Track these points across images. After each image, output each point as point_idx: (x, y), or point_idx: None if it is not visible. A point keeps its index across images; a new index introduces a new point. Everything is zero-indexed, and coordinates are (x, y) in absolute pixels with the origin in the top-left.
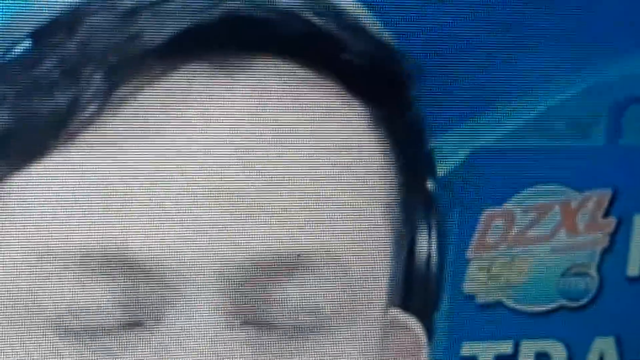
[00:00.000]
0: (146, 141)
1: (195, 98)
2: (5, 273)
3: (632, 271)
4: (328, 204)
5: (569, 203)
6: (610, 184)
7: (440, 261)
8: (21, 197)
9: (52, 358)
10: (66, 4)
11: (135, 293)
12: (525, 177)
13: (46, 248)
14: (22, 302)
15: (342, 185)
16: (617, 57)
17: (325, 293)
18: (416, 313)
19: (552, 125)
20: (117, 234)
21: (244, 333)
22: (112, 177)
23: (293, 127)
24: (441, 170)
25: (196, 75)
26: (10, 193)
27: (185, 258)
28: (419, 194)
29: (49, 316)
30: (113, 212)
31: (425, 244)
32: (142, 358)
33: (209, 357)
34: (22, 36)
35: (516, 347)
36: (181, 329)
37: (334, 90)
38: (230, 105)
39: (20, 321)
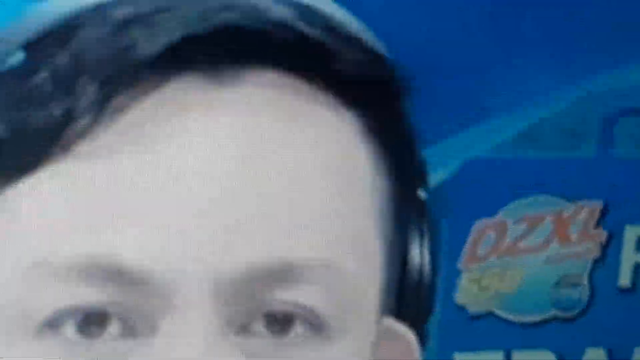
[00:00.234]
0: (140, 152)
1: (188, 109)
2: None
3: (623, 282)
4: (320, 213)
5: (561, 213)
6: (602, 195)
7: (433, 271)
8: (14, 208)
9: None
10: (59, 15)
11: (128, 303)
12: (518, 187)
13: (39, 258)
14: (12, 311)
15: (334, 196)
16: (609, 69)
17: (319, 301)
18: (408, 322)
19: (544, 136)
20: (110, 244)
21: (238, 342)
22: (105, 189)
23: (284, 138)
24: (433, 180)
25: (190, 86)
26: (4, 204)
27: (178, 268)
28: (411, 204)
29: (39, 325)
30: (106, 222)
31: (418, 254)
32: None
33: None
34: (15, 48)
35: (508, 357)
36: (175, 339)
37: (325, 100)
38: (223, 116)
39: (10, 329)
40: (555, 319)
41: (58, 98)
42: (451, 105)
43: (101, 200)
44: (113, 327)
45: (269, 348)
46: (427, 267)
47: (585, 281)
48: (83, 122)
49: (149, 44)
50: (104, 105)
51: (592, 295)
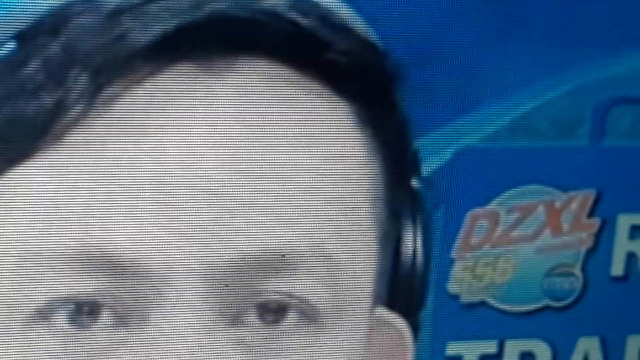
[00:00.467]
0: (131, 142)
1: (181, 99)
2: None
3: (616, 271)
4: (314, 202)
5: (553, 203)
6: (594, 184)
7: (426, 260)
8: (7, 197)
9: (38, 356)
10: (51, 5)
11: (122, 293)
12: (510, 177)
13: (33, 247)
14: (8, 300)
15: (328, 185)
16: (601, 58)
17: (311, 291)
18: (402, 312)
19: (536, 125)
20: (103, 233)
21: (231, 332)
22: (97, 178)
23: (278, 127)
24: (426, 169)
25: (182, 75)
26: None
27: (172, 258)
28: (405, 193)
29: (35, 315)
30: (98, 212)
31: (411, 243)
32: (129, 358)
33: (196, 357)
34: (7, 38)
35: (501, 346)
36: (168, 329)
37: (319, 90)
38: (215, 105)
39: (6, 318)
40: (548, 308)
41: (49, 88)
42: (442, 95)
43: (92, 190)
44: (104, 317)
45: (262, 338)
46: (420, 257)
47: (578, 270)
48: (74, 112)
49: (141, 34)
50: (96, 95)
51: (585, 284)
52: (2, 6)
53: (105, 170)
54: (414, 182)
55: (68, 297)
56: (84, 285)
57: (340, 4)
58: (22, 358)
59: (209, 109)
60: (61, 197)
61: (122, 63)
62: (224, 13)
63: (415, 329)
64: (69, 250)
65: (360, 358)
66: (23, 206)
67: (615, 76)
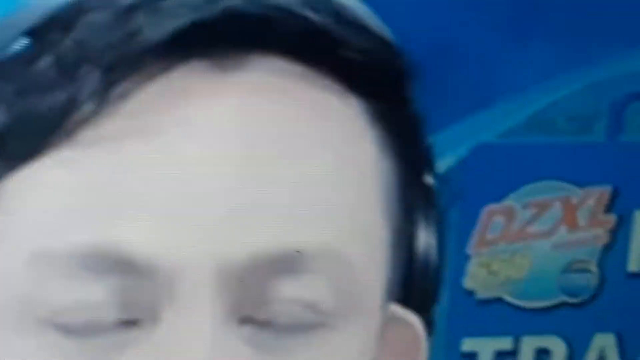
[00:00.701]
0: (144, 139)
1: (193, 96)
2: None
3: (632, 267)
4: (326, 200)
5: (569, 199)
6: (611, 180)
7: (440, 257)
8: (17, 196)
9: (50, 356)
10: (63, 1)
11: (131, 292)
12: (526, 173)
13: (42, 246)
14: (15, 301)
15: (340, 182)
16: (618, 54)
17: (324, 289)
18: (415, 308)
19: (553, 121)
20: (113, 232)
21: (242, 331)
22: (108, 176)
23: (290, 124)
24: (442, 166)
25: (194, 73)
26: (6, 192)
27: (182, 256)
28: (418, 190)
29: (43, 315)
30: (109, 211)
31: (424, 240)
32: (139, 358)
33: (207, 357)
34: (18, 34)
35: (516, 343)
36: (179, 328)
37: (331, 86)
38: (228, 102)
39: (14, 320)
40: (564, 304)
41: (62, 84)
42: (458, 90)
43: (104, 188)
44: (115, 317)
45: (274, 338)
46: (433, 254)
47: (594, 267)
48: (87, 109)
49: (154, 30)
50: (108, 92)
51: (601, 280)
52: (15, 2)
53: (117, 167)
54: (428, 179)
55: (79, 295)
56: (95, 284)
57: (354, 0)
58: (34, 358)
59: (222, 106)
60: (72, 195)
61: (135, 60)
62: (237, 10)
63: (429, 325)
64: (79, 249)
65: (373, 356)
66: (33, 204)
67: (633, 72)
